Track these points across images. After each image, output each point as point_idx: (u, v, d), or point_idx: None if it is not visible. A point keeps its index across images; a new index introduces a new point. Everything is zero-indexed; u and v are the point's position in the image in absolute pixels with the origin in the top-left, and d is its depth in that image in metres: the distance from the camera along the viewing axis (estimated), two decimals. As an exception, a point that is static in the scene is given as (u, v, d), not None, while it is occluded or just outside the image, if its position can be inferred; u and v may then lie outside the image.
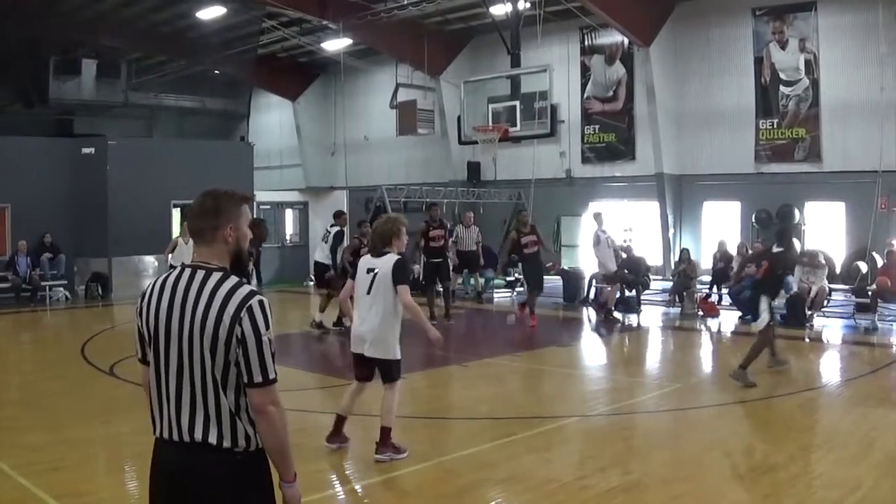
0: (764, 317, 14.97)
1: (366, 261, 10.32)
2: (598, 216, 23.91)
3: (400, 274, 10.00)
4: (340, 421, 10.54)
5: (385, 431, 10.10)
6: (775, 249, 15.74)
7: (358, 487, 9.76)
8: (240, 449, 4.45)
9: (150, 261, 31.19)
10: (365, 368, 10.36)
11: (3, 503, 8.85)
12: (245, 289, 4.45)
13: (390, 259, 10.07)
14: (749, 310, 19.28)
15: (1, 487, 9.29)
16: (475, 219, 29.12)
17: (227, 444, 4.41)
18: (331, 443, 10.48)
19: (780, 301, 21.74)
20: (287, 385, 14.59)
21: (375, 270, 10.07)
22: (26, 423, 12.08)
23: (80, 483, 9.65)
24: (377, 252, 10.25)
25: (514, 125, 31.19)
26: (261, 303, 4.41)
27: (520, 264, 24.11)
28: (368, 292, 10.08)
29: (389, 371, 10.19)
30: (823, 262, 20.94)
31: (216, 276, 4.50)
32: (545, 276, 23.56)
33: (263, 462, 4.58)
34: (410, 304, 10.03)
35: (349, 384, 11.48)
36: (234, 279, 4.51)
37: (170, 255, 21.18)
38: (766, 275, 15.77)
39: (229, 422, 4.42)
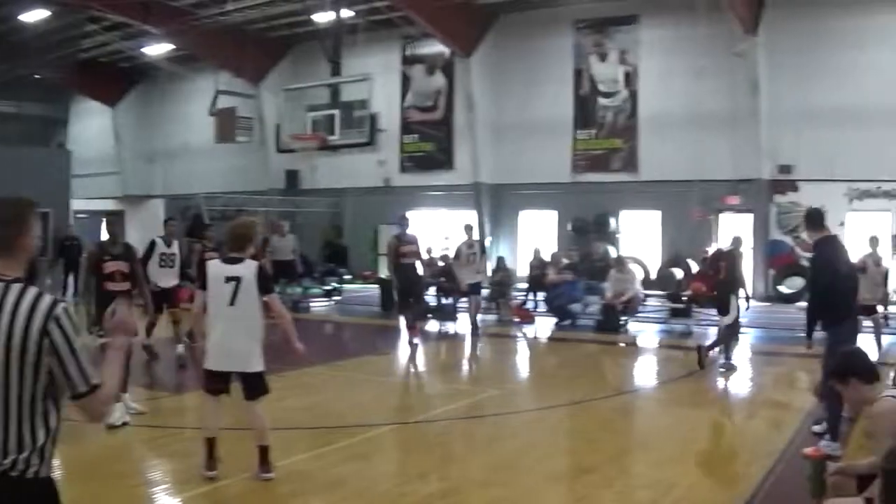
0: (733, 313, 15.95)
1: (220, 269, 9.06)
2: (468, 227, 22.31)
3: (268, 282, 9.29)
4: (211, 443, 9.31)
5: (265, 450, 9.25)
6: (726, 250, 17.22)
7: (177, 501, 9.13)
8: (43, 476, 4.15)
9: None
10: (223, 382, 9.36)
11: None
12: (48, 298, 4.08)
13: (251, 266, 9.09)
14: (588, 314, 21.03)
15: None
16: (294, 227, 28.18)
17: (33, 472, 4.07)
18: (210, 469, 9.23)
19: (595, 307, 21.63)
20: None
21: (238, 278, 8.98)
22: None
23: None
24: (232, 259, 9.06)
25: (333, 134, 30.27)
26: (66, 310, 4.05)
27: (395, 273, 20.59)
28: (232, 303, 9.01)
29: (257, 385, 9.38)
30: (633, 269, 21.81)
31: (15, 287, 4.08)
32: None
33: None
34: (284, 312, 9.56)
35: (163, 396, 12.63)
36: (34, 289, 4.09)
37: None
38: (727, 274, 16.38)
39: (40, 448, 4.09)
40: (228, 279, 8.90)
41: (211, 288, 8.94)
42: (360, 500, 8.84)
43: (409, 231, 19.98)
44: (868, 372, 6.41)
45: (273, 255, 24.51)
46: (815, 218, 10.28)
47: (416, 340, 18.65)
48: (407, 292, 19.38)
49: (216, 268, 9.03)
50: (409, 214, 27.20)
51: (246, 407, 9.27)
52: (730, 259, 17.00)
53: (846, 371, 6.45)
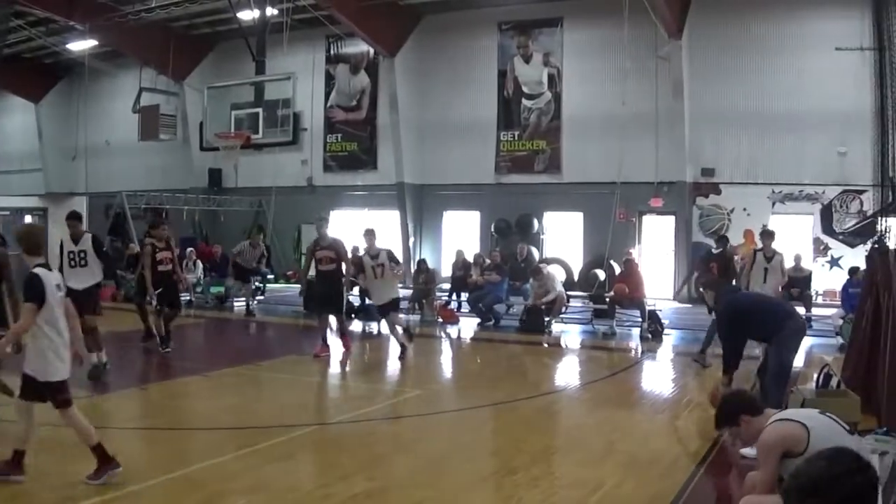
0: None
1: (51, 276, 8.47)
2: (369, 233, 21.04)
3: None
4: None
5: (97, 449, 8.66)
6: (715, 251, 18.45)
7: (100, 501, 8.51)
8: None
9: None
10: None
11: None
12: None
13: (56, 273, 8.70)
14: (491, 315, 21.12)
15: None
16: (217, 227, 27.75)
17: None
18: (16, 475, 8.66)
19: (519, 307, 21.45)
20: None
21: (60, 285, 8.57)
22: None
23: None
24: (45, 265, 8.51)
25: (257, 132, 29.82)
26: None
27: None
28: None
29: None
30: (552, 273, 22.10)
31: None
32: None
33: None
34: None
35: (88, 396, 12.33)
36: None
37: None
38: (719, 273, 17.70)
39: None
40: (59, 287, 8.53)
41: (50, 296, 8.39)
42: (283, 501, 8.61)
43: (328, 233, 18.13)
44: (752, 405, 6.66)
45: (241, 261, 25.09)
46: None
47: (345, 350, 17.76)
48: (323, 303, 17.71)
49: (50, 276, 8.47)
50: (331, 214, 26.72)
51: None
52: (721, 260, 18.14)
53: (734, 413, 6.60)
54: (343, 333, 18.10)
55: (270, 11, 29.16)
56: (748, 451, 8.43)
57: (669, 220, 26.60)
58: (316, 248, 17.40)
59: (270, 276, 29.18)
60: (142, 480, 9.11)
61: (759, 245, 17.04)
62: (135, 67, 34.76)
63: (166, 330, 17.81)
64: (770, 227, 18.09)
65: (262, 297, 27.44)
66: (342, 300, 18.12)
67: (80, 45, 34.41)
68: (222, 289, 26.96)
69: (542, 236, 28.09)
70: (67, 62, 38.44)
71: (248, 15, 29.93)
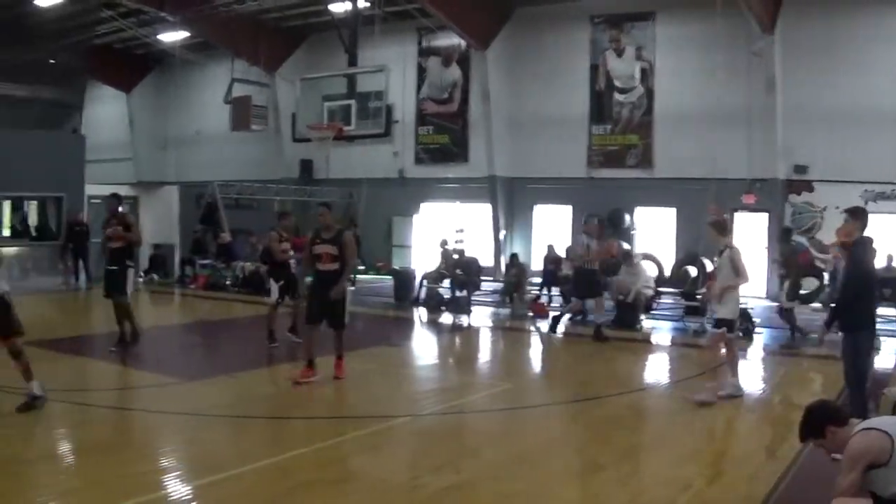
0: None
1: None
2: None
3: None
4: None
5: None
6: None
7: (187, 489, 9.06)
8: None
9: (-26, 254, 29.72)
10: None
11: None
12: None
13: None
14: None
15: None
16: (308, 218, 28.43)
17: None
18: None
19: (610, 303, 21.67)
20: (112, 384, 14.65)
21: None
22: None
23: None
24: None
25: (349, 124, 30.53)
26: None
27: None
28: None
29: None
30: (642, 265, 22.16)
31: None
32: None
33: None
34: None
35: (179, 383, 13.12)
36: None
37: None
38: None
39: None
40: None
41: None
42: (373, 492, 8.93)
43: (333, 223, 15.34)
44: (837, 415, 6.67)
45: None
46: (858, 215, 10.43)
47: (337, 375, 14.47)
48: (321, 313, 14.28)
49: None
50: (421, 207, 27.25)
51: None
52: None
53: (819, 424, 6.66)
54: (339, 356, 14.62)
55: (362, 4, 30.04)
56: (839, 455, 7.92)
57: (762, 218, 26.88)
58: (316, 240, 14.25)
59: (361, 268, 30.02)
60: (232, 468, 9.56)
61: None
62: (225, 58, 35.97)
63: (294, 323, 17.96)
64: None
65: (351, 288, 28.27)
66: (344, 311, 14.57)
67: (171, 37, 35.77)
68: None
69: (633, 232, 28.40)
70: (158, 53, 39.83)
71: (339, 7, 30.86)
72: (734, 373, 13.49)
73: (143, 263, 34.90)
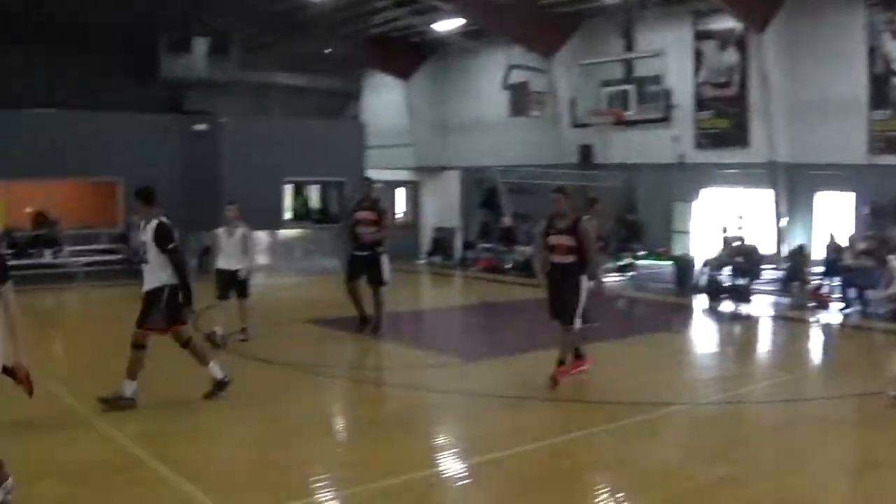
0: None
1: None
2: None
3: None
4: None
5: None
6: None
7: (463, 465, 10.05)
8: None
9: (262, 236, 32.29)
10: None
11: (120, 468, 9.56)
12: None
13: None
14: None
15: (118, 454, 10.11)
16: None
17: None
18: None
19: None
20: (396, 363, 16.55)
21: None
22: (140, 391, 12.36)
23: (193, 451, 10.46)
24: None
25: (628, 109, 31.72)
26: None
27: None
28: None
29: None
30: None
31: None
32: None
33: None
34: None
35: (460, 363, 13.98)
36: None
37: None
38: None
39: None
40: None
41: None
42: (645, 480, 9.42)
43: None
44: None
45: None
46: None
47: None
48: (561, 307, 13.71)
49: None
50: (701, 193, 27.95)
51: None
52: None
53: None
54: (562, 360, 13.81)
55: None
56: None
57: None
58: (549, 230, 13.76)
59: (641, 253, 31.32)
60: (506, 448, 10.40)
61: None
62: (499, 45, 37.61)
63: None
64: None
65: (633, 274, 29.64)
66: (575, 309, 13.59)
67: (447, 25, 37.88)
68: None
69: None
70: (434, 41, 41.90)
71: (613, -6, 31.77)
72: None
73: (425, 246, 37.14)
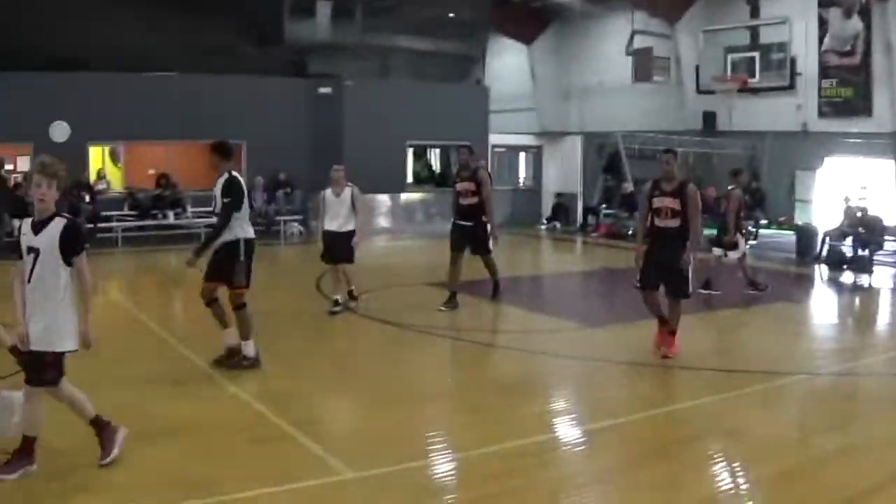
0: None
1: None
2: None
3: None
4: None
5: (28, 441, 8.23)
6: None
7: (581, 431, 10.45)
8: None
9: (384, 199, 33.13)
10: None
11: (242, 426, 10.10)
12: None
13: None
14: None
15: (239, 412, 10.73)
16: (710, 169, 31.07)
17: None
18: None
19: None
20: (518, 327, 16.42)
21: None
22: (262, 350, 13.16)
23: (315, 411, 11.18)
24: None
25: (753, 76, 31.90)
26: None
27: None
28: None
29: None
30: None
31: None
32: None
33: None
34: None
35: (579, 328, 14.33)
36: None
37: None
38: None
39: None
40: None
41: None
42: (761, 451, 9.50)
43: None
44: None
45: None
46: None
47: None
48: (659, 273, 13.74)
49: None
50: (825, 161, 27.97)
51: None
52: None
53: None
54: (672, 330, 13.83)
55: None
56: None
57: None
58: (655, 192, 13.72)
59: (763, 222, 31.51)
60: (626, 414, 10.83)
61: None
62: (624, 10, 37.62)
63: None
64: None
65: (754, 242, 29.87)
66: (688, 277, 13.55)
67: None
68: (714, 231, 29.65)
69: None
70: (557, 6, 41.94)
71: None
72: None
73: (546, 212, 37.67)
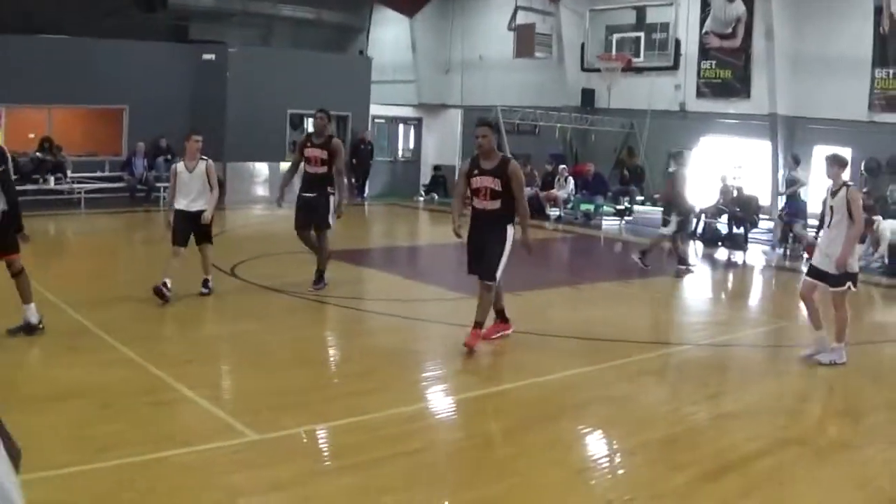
0: None
1: None
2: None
3: None
4: None
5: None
6: None
7: (454, 400, 10.75)
8: None
9: (263, 168, 33.05)
10: None
11: (141, 390, 10.04)
12: None
13: None
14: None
15: (137, 376, 10.65)
16: (588, 145, 31.27)
17: None
18: None
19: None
20: (399, 295, 16.69)
21: None
22: (153, 318, 13.55)
23: (212, 377, 11.22)
24: None
25: (638, 56, 32.39)
26: None
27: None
28: None
29: None
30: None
31: None
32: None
33: None
34: None
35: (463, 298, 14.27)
36: None
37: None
38: None
39: None
40: None
41: None
42: (651, 413, 10.09)
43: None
44: None
45: None
46: None
47: None
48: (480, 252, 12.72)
49: None
50: (701, 140, 28.57)
51: None
52: None
53: None
54: (478, 322, 12.68)
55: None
56: None
57: None
58: (473, 171, 12.64)
59: (640, 198, 32.06)
60: (513, 381, 11.18)
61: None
62: (509, -14, 37.69)
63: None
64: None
65: (629, 218, 30.45)
66: (499, 262, 12.49)
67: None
68: (592, 206, 30.15)
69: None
70: (441, -22, 41.83)
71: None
72: None
73: (424, 183, 37.93)
